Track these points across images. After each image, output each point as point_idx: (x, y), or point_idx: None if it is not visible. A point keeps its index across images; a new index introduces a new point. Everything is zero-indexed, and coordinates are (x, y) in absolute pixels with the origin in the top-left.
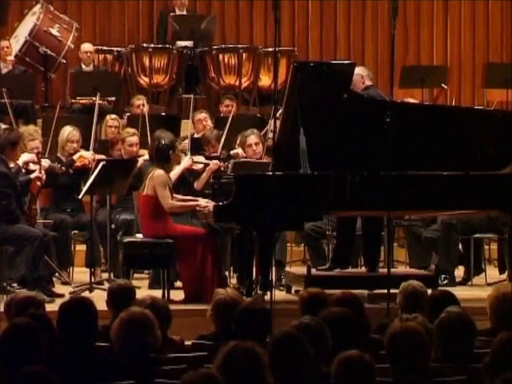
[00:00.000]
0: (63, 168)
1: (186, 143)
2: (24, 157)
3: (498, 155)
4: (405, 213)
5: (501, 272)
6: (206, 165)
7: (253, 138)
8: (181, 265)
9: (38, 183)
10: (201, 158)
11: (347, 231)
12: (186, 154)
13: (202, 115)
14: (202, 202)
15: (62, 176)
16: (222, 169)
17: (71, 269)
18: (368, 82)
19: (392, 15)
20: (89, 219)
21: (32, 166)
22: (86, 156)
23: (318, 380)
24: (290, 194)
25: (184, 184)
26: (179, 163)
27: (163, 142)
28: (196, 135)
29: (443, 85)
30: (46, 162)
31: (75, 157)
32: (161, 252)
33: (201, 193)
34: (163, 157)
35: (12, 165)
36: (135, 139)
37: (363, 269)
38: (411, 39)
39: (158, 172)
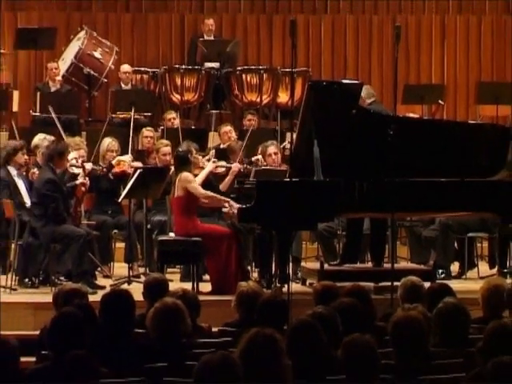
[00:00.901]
0: (104, 169)
1: (212, 152)
2: (72, 154)
3: (490, 163)
4: (406, 215)
5: (491, 267)
6: (229, 168)
7: (272, 148)
8: (208, 260)
9: (83, 188)
10: (223, 163)
11: (355, 231)
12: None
13: (228, 128)
14: (232, 202)
15: (104, 181)
16: (243, 170)
17: (112, 264)
18: (368, 100)
19: (395, 40)
20: (127, 220)
21: (75, 170)
22: (124, 159)
23: (330, 363)
24: (304, 198)
25: (210, 187)
26: (199, 166)
27: (180, 149)
28: (222, 146)
29: (440, 101)
30: (89, 166)
31: (114, 161)
32: (191, 249)
33: (226, 194)
34: (184, 161)
35: (58, 170)
36: (168, 149)
37: (370, 264)
38: (412, 61)
39: (184, 173)
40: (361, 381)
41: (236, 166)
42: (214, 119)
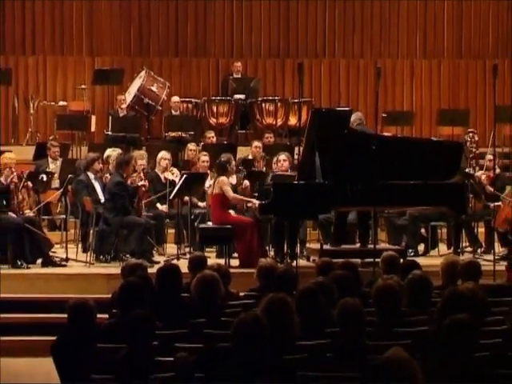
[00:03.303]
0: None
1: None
2: (140, 162)
3: (447, 169)
4: (385, 208)
5: (448, 247)
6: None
7: (282, 156)
8: (236, 242)
9: (143, 188)
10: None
11: (341, 221)
12: (239, 173)
13: (258, 144)
14: (254, 201)
15: (158, 184)
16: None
17: (165, 245)
18: (355, 123)
19: (376, 78)
20: (176, 212)
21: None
22: (174, 171)
23: (328, 319)
24: (309, 195)
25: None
26: (233, 173)
27: (222, 159)
28: (249, 157)
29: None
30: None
31: (166, 173)
32: (223, 234)
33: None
34: (223, 168)
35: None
36: (207, 159)
37: (357, 245)
38: (389, 93)
39: (222, 177)
40: (350, 333)
41: (254, 204)
42: (241, 137)
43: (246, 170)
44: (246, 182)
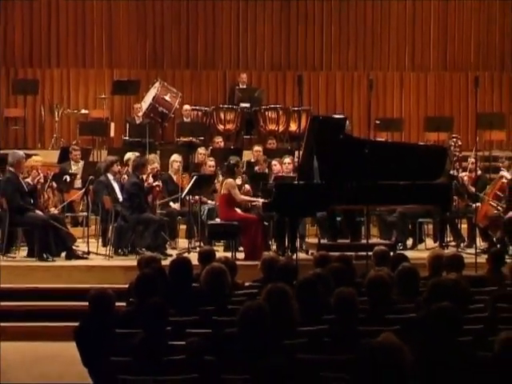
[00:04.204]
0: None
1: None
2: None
3: (433, 171)
4: (376, 206)
5: (434, 242)
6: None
7: (287, 159)
8: (242, 237)
9: (157, 189)
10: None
11: (332, 219)
12: (242, 176)
13: (259, 148)
14: (259, 199)
15: (171, 185)
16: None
17: (177, 240)
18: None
19: (369, 88)
20: (187, 210)
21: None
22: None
23: (325, 306)
24: (307, 195)
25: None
26: (240, 174)
27: (231, 162)
28: (252, 160)
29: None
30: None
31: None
32: (230, 230)
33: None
34: (231, 170)
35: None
36: (213, 164)
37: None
38: (380, 102)
39: (229, 180)
40: (344, 319)
41: (258, 202)
42: (246, 142)
43: (250, 171)
44: (247, 187)
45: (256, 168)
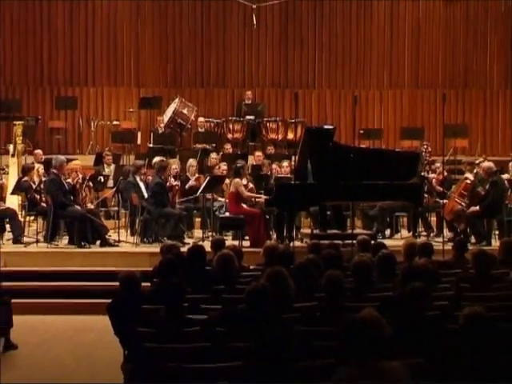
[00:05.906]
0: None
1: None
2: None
3: (407, 173)
4: (360, 202)
5: (408, 232)
6: (259, 196)
7: (285, 163)
8: (248, 228)
9: (176, 187)
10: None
11: (323, 213)
12: (247, 177)
13: (259, 153)
14: (262, 196)
15: (185, 183)
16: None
17: (193, 230)
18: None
19: (354, 104)
20: (201, 205)
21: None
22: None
23: (317, 286)
24: (302, 192)
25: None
26: (246, 175)
27: (238, 165)
28: (254, 163)
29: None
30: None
31: (192, 180)
32: (238, 222)
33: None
34: (238, 171)
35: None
36: (226, 168)
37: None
38: (363, 115)
39: (237, 179)
40: (333, 297)
41: (262, 198)
42: (251, 148)
43: (254, 173)
44: (251, 185)
45: (262, 171)
